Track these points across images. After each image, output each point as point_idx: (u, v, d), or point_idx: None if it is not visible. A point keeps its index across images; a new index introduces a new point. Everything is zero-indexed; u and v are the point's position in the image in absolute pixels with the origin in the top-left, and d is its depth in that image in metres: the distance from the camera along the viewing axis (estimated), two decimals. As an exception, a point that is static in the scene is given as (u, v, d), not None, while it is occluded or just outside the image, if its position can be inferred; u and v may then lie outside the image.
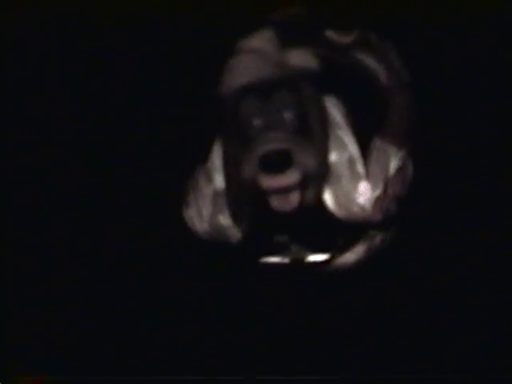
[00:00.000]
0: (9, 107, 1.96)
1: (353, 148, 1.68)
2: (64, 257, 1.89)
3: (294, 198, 1.60)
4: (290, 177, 1.58)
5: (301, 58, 1.68)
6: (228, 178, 1.70)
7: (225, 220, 1.73)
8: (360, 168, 1.67)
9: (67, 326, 1.84)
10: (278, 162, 1.57)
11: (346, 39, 1.74)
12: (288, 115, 1.62)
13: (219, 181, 1.71)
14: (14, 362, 1.79)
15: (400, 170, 1.70)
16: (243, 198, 1.67)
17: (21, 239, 1.90)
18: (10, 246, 1.89)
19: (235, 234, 1.73)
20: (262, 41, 1.70)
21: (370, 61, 1.74)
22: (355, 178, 1.67)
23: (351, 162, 1.68)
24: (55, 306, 1.86)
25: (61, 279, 1.88)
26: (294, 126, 1.62)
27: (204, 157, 1.74)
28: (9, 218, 1.92)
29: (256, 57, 1.68)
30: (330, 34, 1.74)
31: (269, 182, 1.58)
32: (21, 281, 1.88)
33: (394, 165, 1.69)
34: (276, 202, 1.60)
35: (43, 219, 1.92)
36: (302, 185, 1.61)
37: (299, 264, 1.75)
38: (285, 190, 1.60)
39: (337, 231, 1.73)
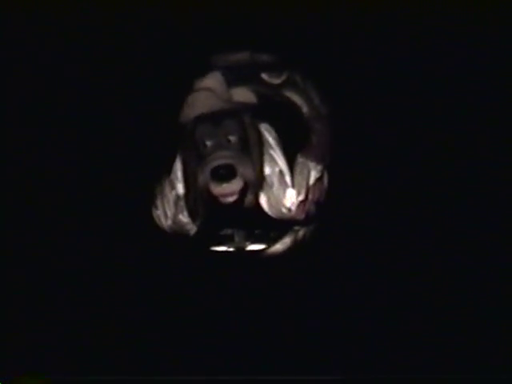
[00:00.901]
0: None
1: (282, 163, 1.87)
2: (56, 256, 1.94)
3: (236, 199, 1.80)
4: (235, 185, 1.80)
5: (243, 95, 1.88)
6: (187, 185, 1.87)
7: (184, 218, 1.89)
8: (287, 179, 1.86)
9: (66, 327, 1.88)
10: (225, 174, 1.78)
11: (277, 80, 1.93)
12: (233, 138, 1.83)
13: (180, 188, 1.89)
14: (14, 362, 1.79)
15: (318, 180, 1.89)
16: (198, 201, 1.86)
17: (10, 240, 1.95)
18: (8, 247, 1.94)
19: (192, 228, 1.90)
20: (212, 81, 1.88)
21: (295, 97, 1.92)
22: (284, 186, 1.86)
23: (281, 174, 1.87)
24: (47, 306, 1.90)
25: (58, 280, 1.92)
26: (238, 147, 1.83)
27: (168, 169, 1.90)
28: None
29: (208, 93, 1.87)
30: (264, 75, 1.93)
31: (218, 189, 1.80)
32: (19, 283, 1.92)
33: (313, 176, 1.88)
34: (223, 200, 1.80)
35: (27, 220, 1.96)
36: (244, 191, 1.82)
37: (241, 252, 1.91)
38: (230, 195, 1.80)
39: (269, 227, 1.91)
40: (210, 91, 1.88)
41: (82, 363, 1.83)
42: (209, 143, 1.83)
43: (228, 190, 1.81)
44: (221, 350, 1.86)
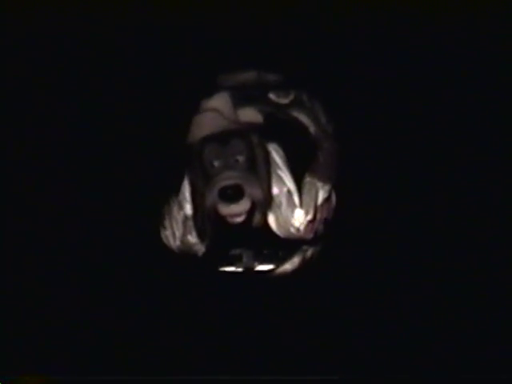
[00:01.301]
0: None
1: (290, 183, 1.88)
2: (63, 260, 1.97)
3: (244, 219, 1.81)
4: (243, 205, 1.80)
5: (250, 115, 1.90)
6: (195, 206, 1.89)
7: (192, 238, 1.91)
8: (296, 198, 1.87)
9: (67, 328, 1.90)
10: (233, 194, 1.79)
11: (284, 100, 1.96)
12: (240, 158, 1.84)
13: (188, 208, 1.91)
14: (14, 362, 1.80)
15: (326, 199, 1.90)
16: (206, 221, 1.87)
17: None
18: (9, 248, 1.97)
19: (200, 248, 1.91)
20: (219, 101, 1.90)
21: (302, 116, 1.94)
22: (292, 206, 1.87)
23: (289, 193, 1.88)
24: (53, 307, 1.92)
25: (61, 282, 1.94)
26: (245, 167, 1.84)
27: (176, 190, 1.92)
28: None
29: (215, 114, 1.88)
30: (272, 95, 1.96)
31: (226, 209, 1.80)
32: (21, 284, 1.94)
33: (321, 196, 1.89)
34: (231, 220, 1.81)
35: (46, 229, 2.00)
36: (252, 211, 1.83)
37: (250, 272, 1.92)
38: (238, 215, 1.81)
39: (278, 246, 1.92)
40: (217, 112, 1.89)
41: (82, 363, 1.83)
42: (216, 163, 1.84)
43: (236, 211, 1.81)
44: (227, 364, 1.89)
